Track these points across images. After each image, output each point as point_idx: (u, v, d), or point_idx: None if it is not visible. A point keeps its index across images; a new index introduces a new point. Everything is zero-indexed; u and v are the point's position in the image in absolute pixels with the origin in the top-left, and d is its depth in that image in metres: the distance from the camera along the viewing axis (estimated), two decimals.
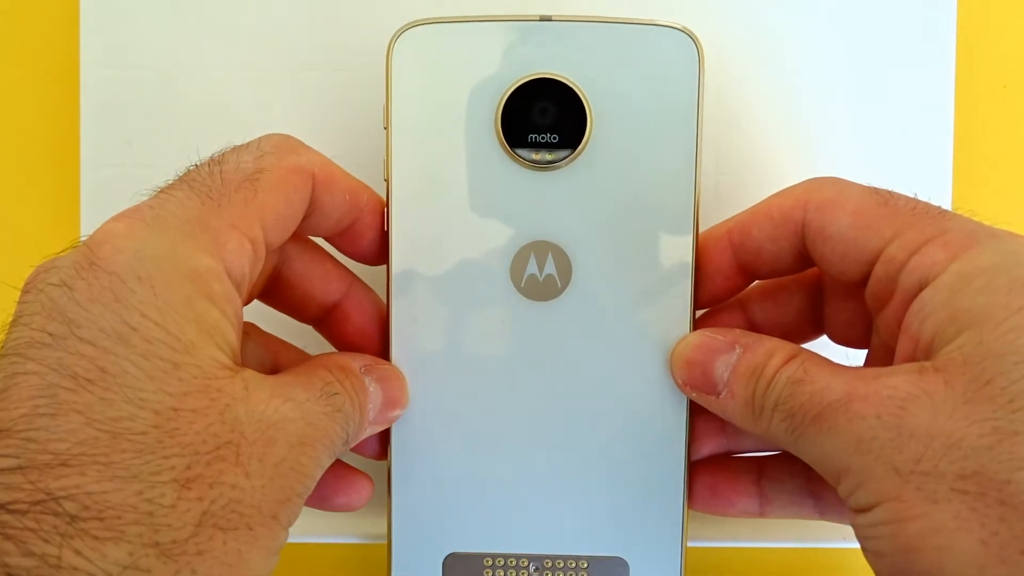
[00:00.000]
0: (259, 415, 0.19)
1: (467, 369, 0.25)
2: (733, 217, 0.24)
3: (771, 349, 0.22)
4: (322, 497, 0.25)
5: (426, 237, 0.25)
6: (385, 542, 0.26)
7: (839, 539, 0.30)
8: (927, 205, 0.21)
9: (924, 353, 0.20)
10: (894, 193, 0.22)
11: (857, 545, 0.20)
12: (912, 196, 0.22)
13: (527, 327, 0.25)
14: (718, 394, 0.23)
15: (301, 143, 0.23)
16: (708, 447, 0.26)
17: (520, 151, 0.24)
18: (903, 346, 0.21)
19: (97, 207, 0.31)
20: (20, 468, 0.16)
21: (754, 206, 0.24)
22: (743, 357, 0.23)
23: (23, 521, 0.16)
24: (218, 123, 0.31)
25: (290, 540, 0.29)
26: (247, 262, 0.21)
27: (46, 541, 0.16)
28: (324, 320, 0.26)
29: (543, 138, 0.24)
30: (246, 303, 0.25)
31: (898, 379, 0.19)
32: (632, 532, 0.25)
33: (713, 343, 0.24)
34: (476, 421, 0.25)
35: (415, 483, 0.25)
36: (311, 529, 0.27)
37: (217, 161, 0.21)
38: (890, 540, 0.18)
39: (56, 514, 0.16)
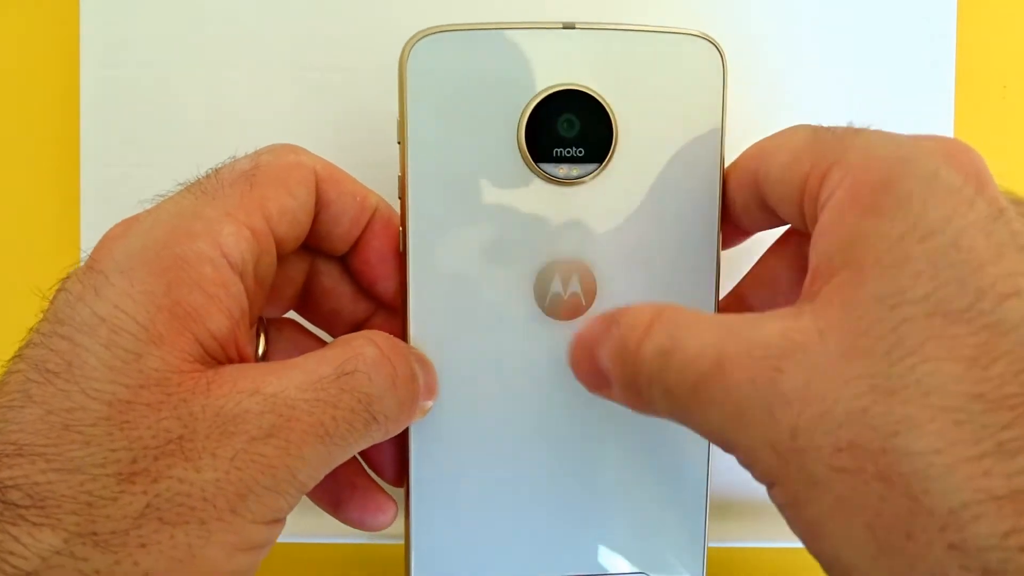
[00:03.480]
0: (216, 410, 0.18)
1: (489, 391, 0.24)
2: None
3: (632, 320, 0.20)
4: (336, 504, 0.25)
5: (445, 256, 0.24)
6: (398, 543, 0.25)
7: None
8: (849, 128, 0.20)
9: (813, 286, 0.18)
10: (831, 127, 0.20)
11: None
12: (849, 123, 0.20)
13: (551, 347, 0.24)
14: (611, 386, 0.20)
15: (302, 148, 0.23)
16: None
17: (544, 166, 0.23)
18: (806, 285, 0.18)
19: (97, 207, 0.31)
20: None
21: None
22: (614, 337, 0.20)
23: None
24: (218, 123, 0.31)
25: (297, 540, 0.29)
26: (247, 248, 0.20)
27: None
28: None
29: (568, 152, 0.23)
30: (282, 309, 0.25)
31: (771, 329, 0.17)
32: (655, 548, 0.25)
33: (589, 333, 0.21)
34: (499, 443, 0.25)
35: (435, 507, 0.25)
36: (317, 529, 0.27)
37: (215, 168, 0.22)
38: (794, 525, 0.17)
39: (2, 502, 0.17)
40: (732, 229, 0.24)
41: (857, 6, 0.30)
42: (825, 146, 0.19)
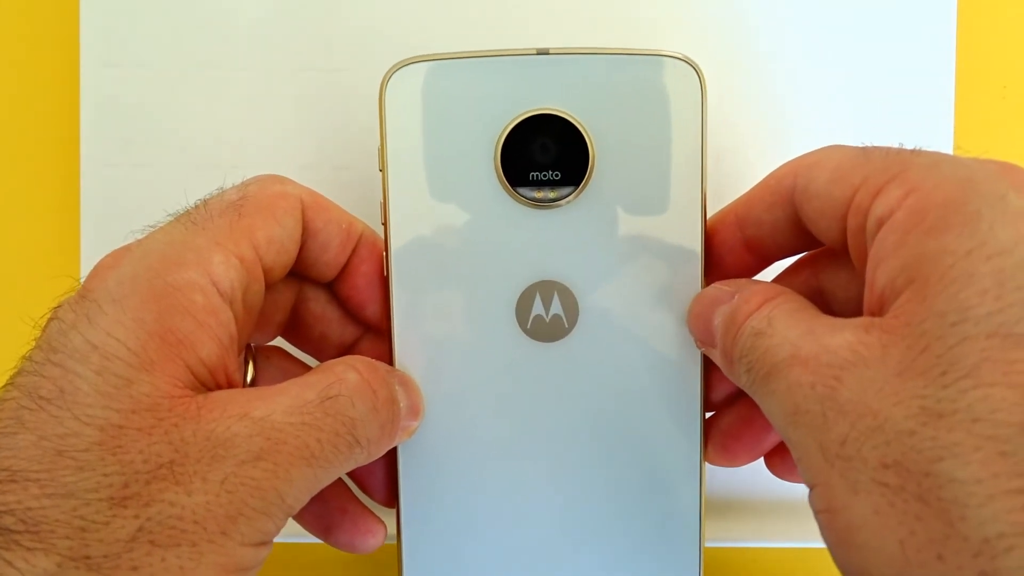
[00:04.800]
0: (207, 434, 0.18)
1: (476, 414, 0.24)
2: (742, 195, 0.24)
3: (749, 295, 0.21)
4: (327, 529, 0.25)
5: (427, 280, 0.24)
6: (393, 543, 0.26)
7: None
8: (903, 149, 0.20)
9: (878, 307, 0.18)
10: (881, 146, 0.20)
11: None
12: (899, 145, 0.20)
13: (535, 369, 0.24)
14: (716, 346, 0.22)
15: (288, 178, 0.23)
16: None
17: (521, 190, 0.24)
18: (867, 300, 0.19)
19: (97, 207, 0.31)
20: None
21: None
22: (731, 304, 0.21)
23: None
24: (218, 123, 0.31)
25: (293, 540, 0.29)
26: (236, 277, 0.21)
27: None
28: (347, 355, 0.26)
29: (545, 175, 0.24)
30: (270, 336, 0.25)
31: (841, 339, 0.18)
32: (650, 559, 0.25)
33: (717, 294, 0.23)
34: (487, 462, 0.25)
35: (426, 527, 0.25)
36: None
37: (204, 199, 0.22)
38: (827, 532, 0.17)
39: None
40: (752, 257, 0.24)
41: (856, 7, 0.30)
42: (878, 163, 0.19)
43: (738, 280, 0.23)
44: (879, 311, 0.18)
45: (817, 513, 0.18)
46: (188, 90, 0.31)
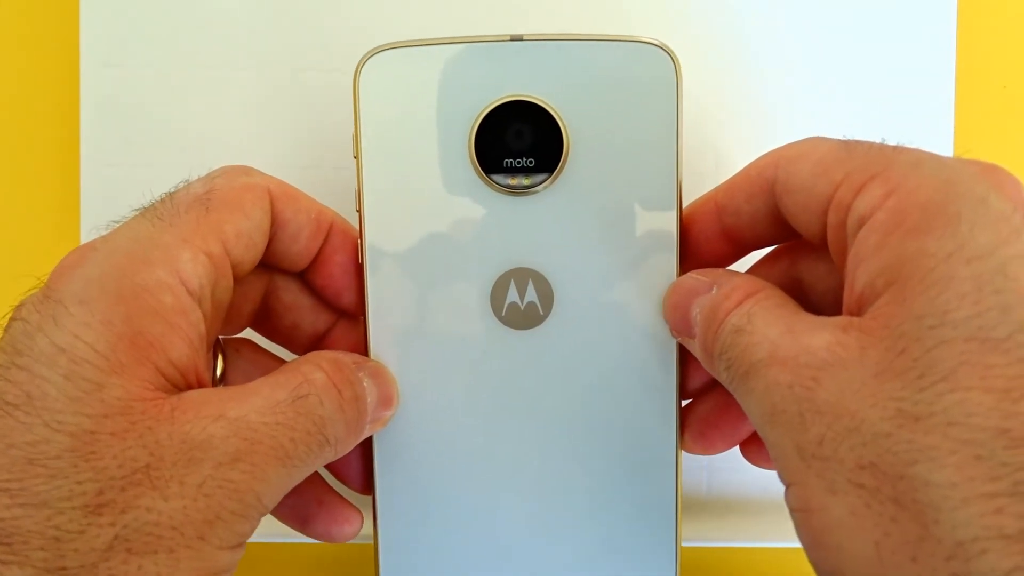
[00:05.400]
0: (182, 437, 0.18)
1: (450, 402, 0.24)
2: (723, 183, 0.24)
3: (730, 290, 0.21)
4: (304, 520, 0.25)
5: (402, 268, 0.24)
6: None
7: None
8: (886, 145, 0.19)
9: (857, 307, 0.18)
10: (864, 141, 0.20)
11: None
12: (881, 141, 0.20)
13: (510, 356, 0.24)
14: (693, 337, 0.22)
15: (255, 169, 0.23)
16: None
17: (495, 176, 0.23)
18: (846, 299, 0.19)
19: (97, 207, 0.31)
20: None
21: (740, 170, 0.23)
22: (711, 298, 0.21)
23: None
24: (218, 122, 0.31)
25: (286, 540, 0.29)
26: (204, 275, 0.20)
27: None
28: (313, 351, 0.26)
29: (519, 162, 0.23)
30: (239, 328, 0.25)
31: (820, 339, 0.17)
32: (626, 556, 0.25)
33: (693, 284, 0.22)
34: (462, 450, 0.25)
35: (402, 514, 0.25)
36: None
37: (169, 193, 0.22)
38: (802, 531, 0.17)
39: None
40: (730, 246, 0.24)
41: (856, 7, 0.30)
42: (860, 159, 0.19)
43: (715, 270, 0.23)
44: (858, 311, 0.18)
45: (793, 511, 0.18)
46: (188, 90, 0.31)
